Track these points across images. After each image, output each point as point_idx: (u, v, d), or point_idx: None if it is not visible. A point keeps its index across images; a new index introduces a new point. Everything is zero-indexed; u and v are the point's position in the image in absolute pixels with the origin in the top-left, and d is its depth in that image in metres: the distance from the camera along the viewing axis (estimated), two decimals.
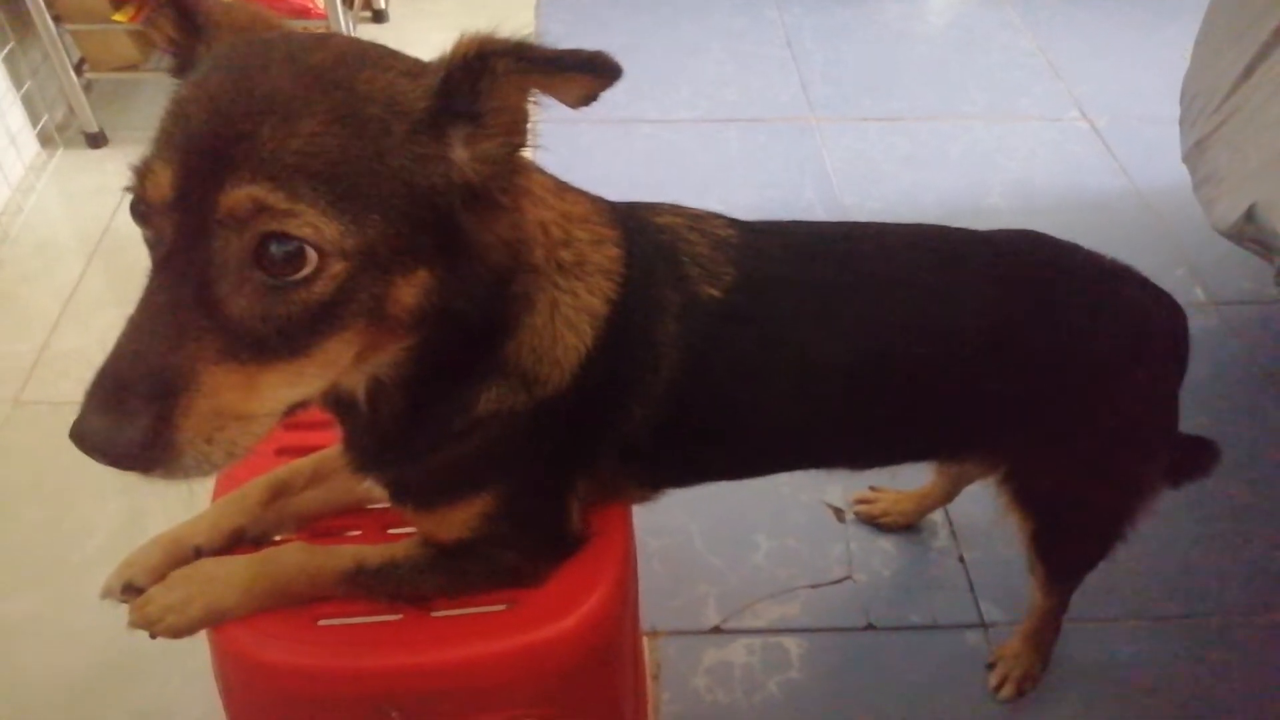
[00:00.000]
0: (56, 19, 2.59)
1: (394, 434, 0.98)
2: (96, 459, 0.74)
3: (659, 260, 1.07)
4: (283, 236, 0.73)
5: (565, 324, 0.98)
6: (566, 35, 3.38)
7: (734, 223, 1.15)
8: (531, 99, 0.82)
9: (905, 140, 3.01)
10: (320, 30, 2.76)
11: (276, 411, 0.80)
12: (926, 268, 1.19)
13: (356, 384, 0.94)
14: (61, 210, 2.64)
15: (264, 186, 0.72)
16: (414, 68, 0.82)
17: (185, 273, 0.75)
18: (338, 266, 0.76)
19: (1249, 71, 1.94)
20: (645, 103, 3.08)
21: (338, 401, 0.98)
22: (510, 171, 0.85)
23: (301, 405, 0.83)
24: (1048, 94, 3.22)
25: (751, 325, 1.10)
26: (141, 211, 0.78)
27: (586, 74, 0.79)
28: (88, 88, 2.78)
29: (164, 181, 0.75)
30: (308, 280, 0.75)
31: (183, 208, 0.74)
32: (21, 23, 2.62)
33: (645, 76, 3.21)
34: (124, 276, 2.43)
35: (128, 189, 0.78)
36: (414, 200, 0.79)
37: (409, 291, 0.81)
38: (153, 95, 2.92)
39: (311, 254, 0.74)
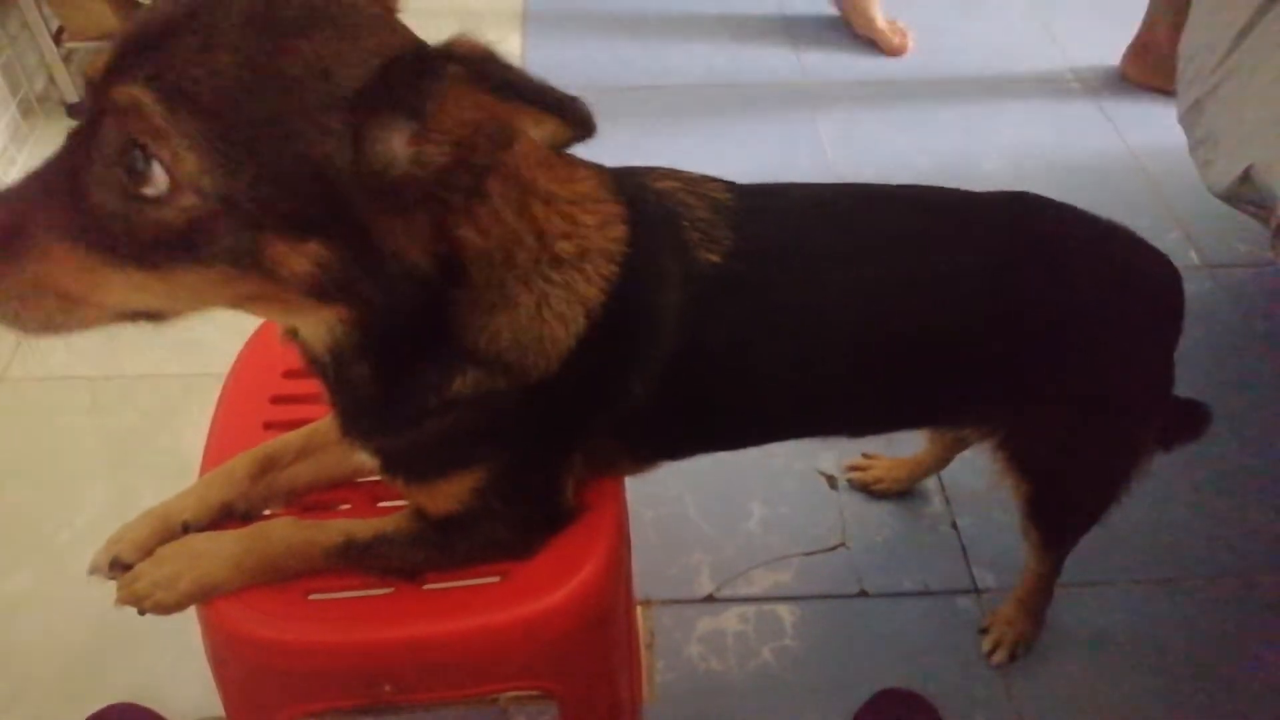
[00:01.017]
0: None
1: (368, 402, 0.97)
2: None
3: (661, 230, 1.05)
4: (142, 148, 0.73)
5: (554, 317, 0.95)
6: (554, 2, 3.33)
7: (731, 186, 1.13)
8: (489, 122, 0.75)
9: (900, 104, 2.98)
10: None
11: (112, 309, 0.82)
12: (919, 230, 1.18)
13: (318, 343, 0.92)
14: None
15: (147, 93, 0.72)
16: (387, 46, 0.79)
17: (73, 150, 0.77)
18: (188, 200, 0.74)
19: (1246, 31, 1.91)
20: (635, 67, 3.04)
21: (313, 361, 0.96)
22: (466, 190, 0.81)
23: (148, 316, 0.85)
24: (1043, 56, 3.18)
25: (749, 291, 1.08)
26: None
27: (552, 115, 0.72)
28: (67, 57, 2.72)
29: (99, 64, 0.77)
30: (158, 202, 0.75)
31: (95, 92, 0.76)
32: None
33: (635, 41, 3.16)
34: None
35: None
36: (305, 171, 0.75)
37: (296, 259, 0.78)
38: None
39: (161, 176, 0.74)
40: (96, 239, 0.76)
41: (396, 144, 0.76)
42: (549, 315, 0.95)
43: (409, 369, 0.94)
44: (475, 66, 0.72)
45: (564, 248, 0.95)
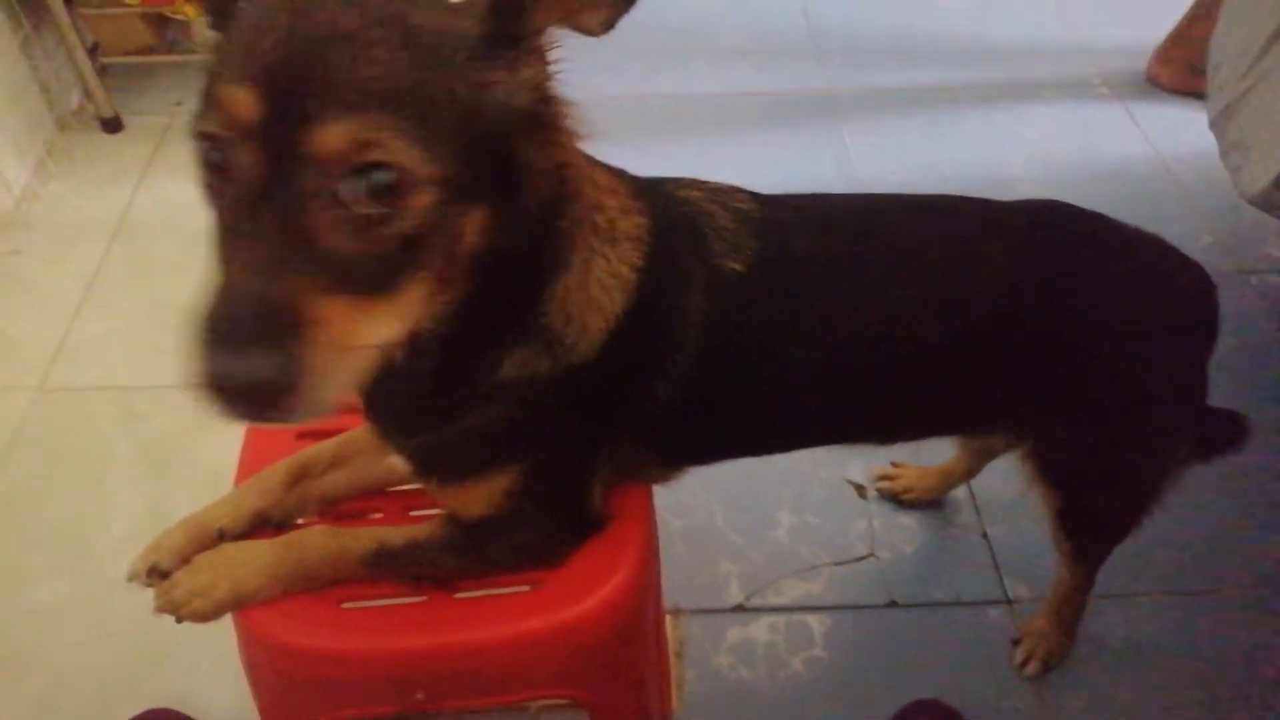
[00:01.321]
0: (69, 3, 2.59)
1: (424, 393, 0.97)
2: (220, 403, 0.71)
3: (683, 232, 1.06)
4: (375, 166, 0.73)
5: (599, 287, 0.97)
6: None
7: (755, 196, 1.14)
8: (553, 29, 0.83)
9: (924, 111, 2.96)
10: None
11: (373, 350, 0.79)
12: (947, 239, 1.18)
13: (409, 333, 0.91)
14: (79, 196, 2.64)
15: (354, 118, 0.72)
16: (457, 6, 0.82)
17: (278, 206, 0.73)
18: (424, 197, 0.75)
19: (1277, 35, 1.89)
20: (659, 76, 3.05)
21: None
22: (552, 97, 0.86)
23: (391, 348, 0.82)
24: (1068, 62, 3.16)
25: (774, 299, 1.09)
26: (216, 138, 0.75)
27: None
28: (102, 72, 2.77)
29: (249, 104, 0.72)
30: (396, 214, 0.75)
31: (267, 137, 0.73)
32: (36, 8, 2.62)
33: (659, 49, 3.17)
34: (144, 261, 2.44)
35: (201, 114, 0.76)
36: (477, 128, 0.78)
37: (472, 228, 0.81)
38: (167, 79, 2.91)
39: (399, 184, 0.74)
40: (344, 284, 0.74)
41: (507, 74, 0.81)
42: (594, 285, 0.97)
43: (473, 349, 0.95)
44: None
45: (597, 219, 0.98)
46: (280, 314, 0.71)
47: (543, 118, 0.85)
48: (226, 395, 0.70)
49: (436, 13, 0.79)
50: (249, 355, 0.70)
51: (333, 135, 0.72)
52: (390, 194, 0.74)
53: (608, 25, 0.83)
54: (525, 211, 0.86)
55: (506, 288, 0.91)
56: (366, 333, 0.76)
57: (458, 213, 0.79)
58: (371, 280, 0.76)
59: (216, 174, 0.76)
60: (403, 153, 0.73)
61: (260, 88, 0.73)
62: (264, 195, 0.73)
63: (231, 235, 0.74)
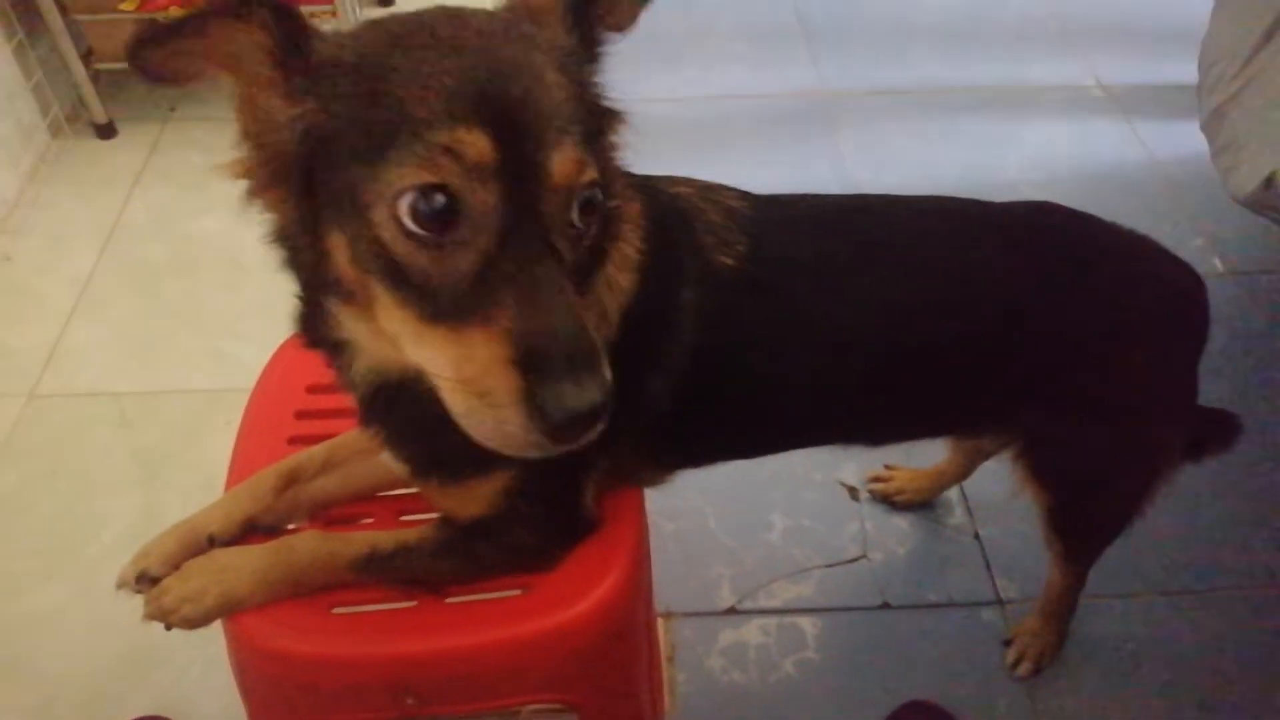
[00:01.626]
0: (64, 9, 2.59)
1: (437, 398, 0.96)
2: (570, 434, 0.74)
3: (676, 225, 1.07)
4: (591, 185, 0.78)
5: (615, 267, 0.99)
6: None
7: (746, 195, 1.14)
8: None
9: (918, 113, 2.97)
10: (328, 15, 2.75)
11: None
12: (939, 239, 1.18)
13: None
14: (73, 202, 2.64)
15: (577, 147, 0.76)
16: (533, 19, 0.85)
17: (535, 236, 0.76)
18: (600, 207, 0.81)
19: (1268, 36, 1.90)
20: (653, 80, 3.05)
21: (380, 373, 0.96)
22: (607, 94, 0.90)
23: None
24: (1063, 63, 3.17)
25: (765, 296, 1.09)
26: (450, 189, 0.73)
27: None
28: (96, 78, 2.77)
29: (486, 147, 0.73)
30: (594, 224, 0.81)
31: (507, 174, 0.74)
32: (30, 14, 2.62)
33: (653, 53, 3.17)
34: (136, 267, 2.44)
35: (419, 174, 0.73)
36: (599, 131, 0.84)
37: None
38: (161, 86, 2.91)
39: (600, 199, 0.80)
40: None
41: (600, 75, 0.87)
42: (612, 270, 0.98)
43: None
44: None
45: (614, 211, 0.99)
46: (589, 340, 0.75)
47: (613, 110, 0.89)
48: (573, 426, 0.73)
49: (540, 27, 0.83)
50: (590, 389, 0.73)
51: (568, 163, 0.75)
52: (593, 209, 0.79)
53: (632, 20, 0.88)
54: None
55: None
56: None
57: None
58: (581, 290, 0.82)
59: (436, 224, 0.74)
60: (595, 169, 0.78)
61: (488, 127, 0.73)
62: (517, 231, 0.75)
63: (497, 275, 0.74)
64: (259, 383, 1.31)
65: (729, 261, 1.07)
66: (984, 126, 2.93)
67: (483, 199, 0.73)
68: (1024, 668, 1.67)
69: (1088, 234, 1.26)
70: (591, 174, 0.77)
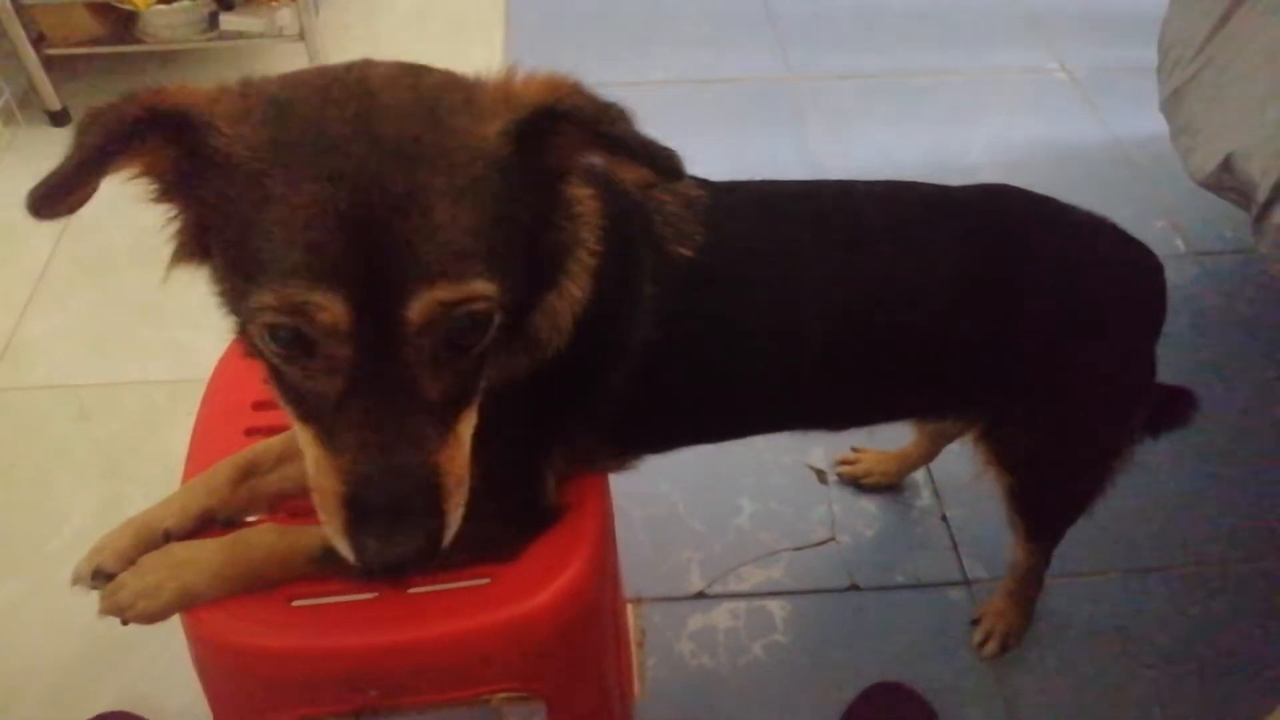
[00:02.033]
0: None
1: None
2: (388, 575, 0.81)
3: (634, 220, 1.05)
4: (469, 316, 0.76)
5: (569, 278, 0.97)
6: (536, 3, 3.32)
7: (704, 183, 1.13)
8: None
9: (884, 97, 2.98)
10: (286, 5, 2.70)
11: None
12: (897, 224, 1.18)
13: None
14: (26, 191, 2.58)
15: (445, 286, 0.73)
16: (468, 100, 0.79)
17: (387, 384, 0.75)
18: (499, 317, 0.79)
19: (1225, 19, 1.91)
20: (619, 64, 3.04)
21: None
22: (564, 201, 0.90)
23: None
24: (1026, 46, 3.19)
25: (723, 285, 1.09)
26: (302, 340, 0.74)
27: (647, 168, 0.81)
28: (48, 64, 2.71)
29: (340, 313, 0.71)
30: (482, 337, 0.79)
31: (362, 330, 0.72)
32: None
33: (619, 38, 3.16)
34: (93, 258, 2.39)
35: (274, 316, 0.72)
36: (517, 237, 0.80)
37: (503, 323, 0.83)
38: (115, 71, 2.85)
39: (486, 317, 0.78)
40: (447, 417, 0.79)
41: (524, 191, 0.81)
42: (566, 281, 0.97)
43: None
44: (591, 128, 0.80)
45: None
46: (428, 489, 0.77)
47: (551, 223, 0.88)
48: (394, 567, 0.77)
49: (461, 126, 0.77)
50: (415, 537, 0.76)
51: (431, 304, 0.73)
52: (475, 329, 0.78)
53: (638, 187, 0.86)
54: (537, 276, 0.89)
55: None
56: (467, 445, 0.82)
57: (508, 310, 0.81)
58: (460, 399, 0.80)
59: (295, 352, 0.75)
60: (485, 295, 0.75)
61: (345, 290, 0.71)
62: (369, 377, 0.75)
63: (342, 415, 0.76)
64: (214, 374, 1.29)
65: (687, 253, 1.06)
66: (948, 110, 2.94)
67: (332, 351, 0.74)
68: (991, 647, 1.68)
69: (1046, 216, 1.27)
70: (471, 306, 0.75)
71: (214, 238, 0.78)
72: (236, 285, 0.76)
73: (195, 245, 0.81)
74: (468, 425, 0.83)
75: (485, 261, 0.75)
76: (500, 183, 0.77)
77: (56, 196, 0.77)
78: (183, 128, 0.75)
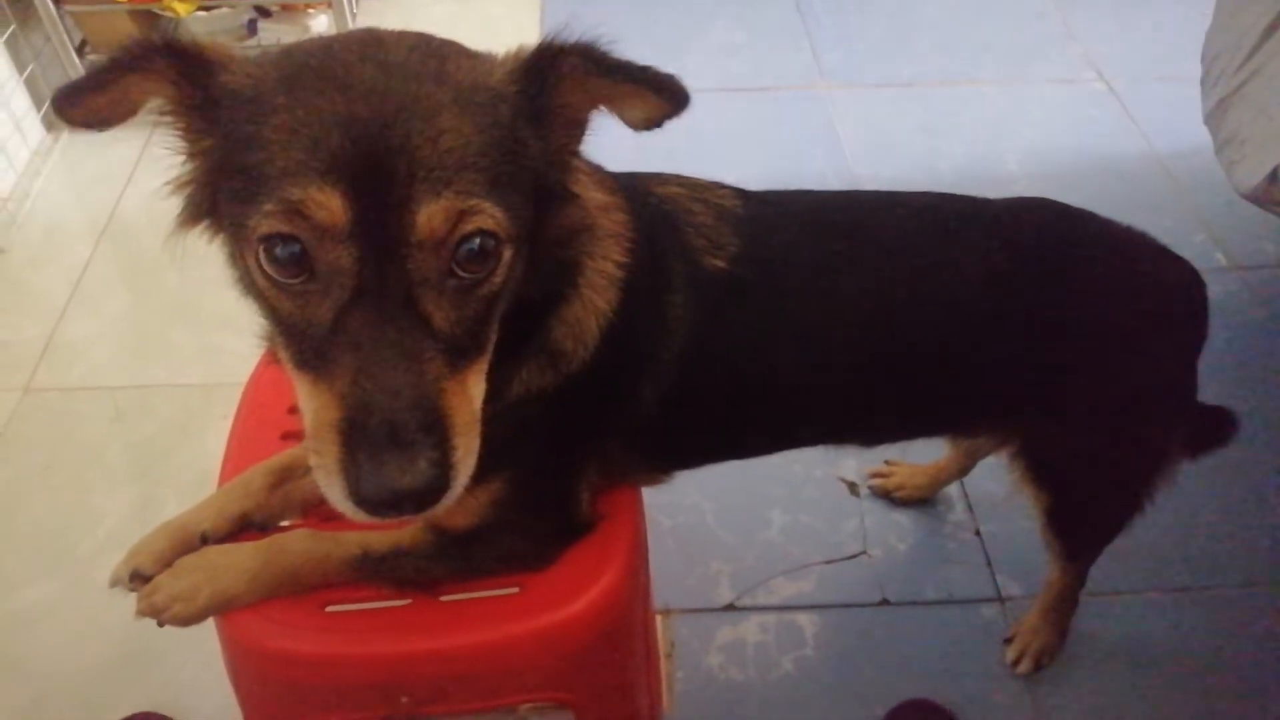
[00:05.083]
0: (56, 0, 2.57)
1: None
2: (387, 513, 0.72)
3: (663, 229, 1.05)
4: (476, 235, 0.74)
5: (592, 289, 0.97)
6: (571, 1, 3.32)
7: (739, 193, 1.13)
8: (594, 109, 0.84)
9: (919, 107, 2.95)
10: (323, 12, 2.73)
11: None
12: (932, 237, 1.17)
13: None
14: (68, 195, 2.62)
15: (451, 195, 0.72)
16: (474, 57, 0.82)
17: (390, 297, 0.72)
18: (509, 252, 0.77)
19: (1271, 30, 1.88)
20: None
21: None
22: (572, 167, 0.87)
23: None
24: (1064, 56, 3.15)
25: (756, 297, 1.08)
26: (302, 242, 0.72)
27: (649, 90, 0.80)
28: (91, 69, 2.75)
29: (337, 208, 0.70)
30: (491, 272, 0.77)
31: (364, 233, 0.71)
32: (22, 5, 2.60)
33: (652, 47, 3.15)
34: (132, 260, 2.42)
35: (272, 224, 0.71)
36: (526, 180, 0.80)
37: (513, 272, 0.81)
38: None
39: (494, 246, 0.75)
40: (455, 356, 0.76)
41: (553, 138, 0.82)
42: (588, 289, 0.97)
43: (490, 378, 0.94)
44: (582, 55, 0.79)
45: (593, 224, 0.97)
46: (430, 414, 0.71)
47: (557, 186, 0.86)
48: (392, 504, 0.71)
49: (470, 65, 0.79)
50: (409, 459, 0.70)
51: (436, 216, 0.71)
52: (486, 259, 0.75)
53: (647, 124, 0.84)
54: (543, 248, 0.86)
55: (527, 322, 0.91)
56: (477, 399, 0.78)
57: (520, 259, 0.80)
58: (468, 345, 0.77)
59: (292, 270, 0.74)
60: (493, 216, 0.74)
61: (344, 185, 0.70)
62: (372, 290, 0.72)
63: (343, 335, 0.73)
64: (252, 378, 1.30)
65: (720, 264, 1.05)
66: (984, 120, 2.91)
67: (333, 257, 0.72)
68: (1024, 665, 1.66)
69: (1083, 231, 1.24)
70: (478, 223, 0.73)
71: (221, 180, 0.77)
72: (238, 220, 0.75)
73: (204, 197, 0.81)
74: (478, 382, 0.79)
75: (491, 183, 0.74)
76: (506, 113, 0.78)
77: (78, 95, 0.78)
78: (198, 66, 0.78)
